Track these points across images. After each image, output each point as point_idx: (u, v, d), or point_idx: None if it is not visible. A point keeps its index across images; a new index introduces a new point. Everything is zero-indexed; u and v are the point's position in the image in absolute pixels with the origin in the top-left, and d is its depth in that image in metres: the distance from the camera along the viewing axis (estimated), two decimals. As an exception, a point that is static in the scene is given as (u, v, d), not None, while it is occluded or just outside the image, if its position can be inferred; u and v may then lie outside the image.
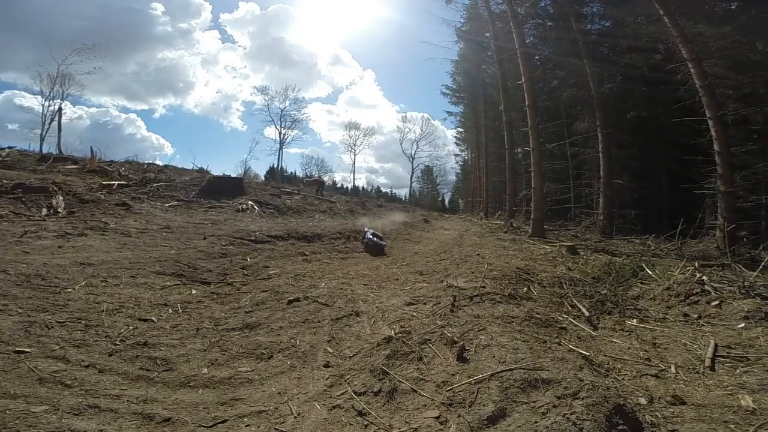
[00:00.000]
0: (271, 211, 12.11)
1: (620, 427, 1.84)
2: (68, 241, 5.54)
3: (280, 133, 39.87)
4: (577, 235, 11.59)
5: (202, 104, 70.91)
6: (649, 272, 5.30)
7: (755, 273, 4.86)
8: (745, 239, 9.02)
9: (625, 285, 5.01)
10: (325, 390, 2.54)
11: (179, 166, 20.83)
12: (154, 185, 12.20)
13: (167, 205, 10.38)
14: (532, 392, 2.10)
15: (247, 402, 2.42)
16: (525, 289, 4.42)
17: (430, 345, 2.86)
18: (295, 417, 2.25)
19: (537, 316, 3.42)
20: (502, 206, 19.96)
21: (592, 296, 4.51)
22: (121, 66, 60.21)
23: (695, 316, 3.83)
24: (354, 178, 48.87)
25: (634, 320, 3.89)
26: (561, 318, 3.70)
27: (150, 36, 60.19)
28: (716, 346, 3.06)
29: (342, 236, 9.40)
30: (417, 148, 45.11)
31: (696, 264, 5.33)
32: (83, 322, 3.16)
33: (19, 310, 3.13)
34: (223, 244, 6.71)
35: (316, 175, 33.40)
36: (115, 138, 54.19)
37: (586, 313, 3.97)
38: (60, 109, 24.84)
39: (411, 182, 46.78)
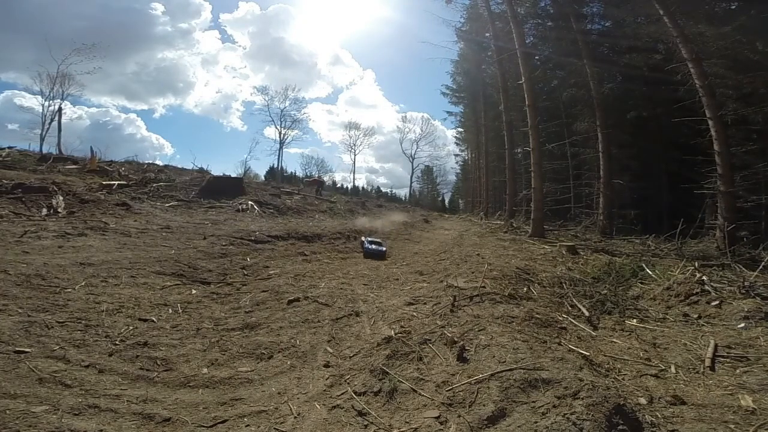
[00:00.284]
0: (271, 211, 12.11)
1: (620, 427, 1.84)
2: (68, 241, 5.54)
3: (280, 133, 39.84)
4: (577, 235, 11.59)
5: (202, 104, 70.88)
6: (649, 272, 5.30)
7: (755, 273, 4.86)
8: (745, 239, 9.01)
9: (625, 285, 5.01)
10: (325, 390, 2.54)
11: (179, 166, 20.88)
12: (154, 185, 12.21)
13: (167, 205, 10.39)
14: (532, 392, 2.10)
15: (247, 402, 2.42)
16: (525, 289, 4.42)
17: (430, 345, 2.86)
18: (295, 417, 2.25)
19: (537, 316, 3.42)
20: (502, 206, 19.95)
21: (592, 296, 4.51)
22: (121, 66, 60.18)
23: (695, 316, 3.83)
24: (354, 178, 48.82)
25: (634, 320, 3.89)
26: (561, 318, 3.70)
27: (150, 36, 60.21)
28: (716, 346, 3.06)
29: (342, 236, 9.41)
30: (417, 148, 45.07)
31: (696, 264, 5.33)
32: (83, 322, 3.16)
33: (19, 310, 3.13)
34: (223, 244, 6.71)
35: (316, 175, 33.39)
36: (115, 138, 54.16)
37: (586, 313, 3.97)
38: (60, 109, 24.80)
39: (411, 182, 46.78)
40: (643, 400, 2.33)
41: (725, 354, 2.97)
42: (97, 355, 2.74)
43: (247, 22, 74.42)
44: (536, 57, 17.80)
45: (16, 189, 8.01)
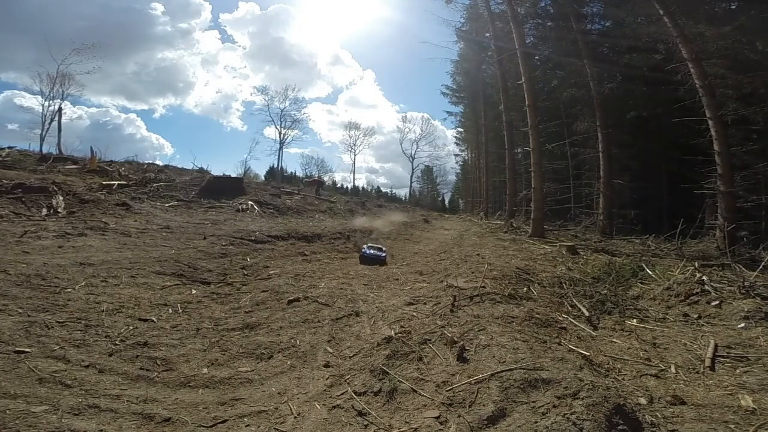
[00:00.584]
0: (271, 211, 12.11)
1: (620, 427, 1.84)
2: (68, 241, 5.54)
3: (280, 133, 39.80)
4: (577, 235, 11.59)
5: (202, 104, 70.69)
6: (649, 272, 5.30)
7: (755, 273, 4.86)
8: (745, 239, 9.01)
9: (625, 285, 5.01)
10: (325, 390, 2.54)
11: (179, 166, 20.84)
12: (154, 185, 12.21)
13: (167, 205, 10.39)
14: (532, 392, 2.10)
15: (247, 402, 2.42)
16: (525, 289, 4.42)
17: (430, 345, 2.86)
18: (295, 417, 2.25)
19: (537, 316, 3.42)
20: (502, 206, 19.95)
21: (592, 296, 4.51)
22: (121, 66, 60.04)
23: (695, 316, 3.83)
24: (354, 178, 48.70)
25: (634, 320, 3.89)
26: (561, 318, 3.70)
27: (150, 36, 60.08)
28: (716, 346, 3.06)
29: (342, 236, 9.40)
30: (417, 148, 45.01)
31: (696, 264, 5.33)
32: (83, 322, 3.16)
33: (19, 310, 3.13)
34: (223, 244, 6.71)
35: (316, 175, 33.33)
36: (115, 138, 54.03)
37: (586, 313, 3.97)
38: (60, 109, 24.77)
39: (411, 182, 46.72)
40: (643, 400, 2.33)
41: (725, 354, 2.97)
42: (97, 355, 2.74)
43: (247, 22, 74.30)
44: (536, 57, 17.80)
45: (16, 189, 8.01)
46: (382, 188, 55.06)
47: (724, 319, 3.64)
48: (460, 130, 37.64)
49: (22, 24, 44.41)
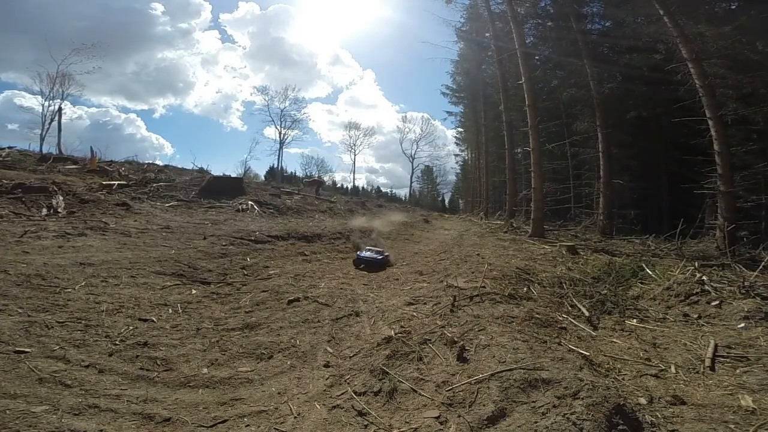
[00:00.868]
0: (271, 211, 12.11)
1: (620, 427, 1.84)
2: (68, 241, 5.54)
3: (280, 133, 39.82)
4: (577, 235, 11.58)
5: (202, 104, 70.68)
6: (649, 272, 5.30)
7: (755, 273, 4.86)
8: (745, 239, 9.01)
9: (625, 285, 5.01)
10: (325, 390, 2.55)
11: (179, 166, 20.83)
12: (154, 185, 12.20)
13: (167, 205, 10.38)
14: (532, 392, 2.10)
15: (247, 402, 2.42)
16: (525, 289, 4.42)
17: (430, 345, 2.86)
18: (295, 417, 2.25)
19: (537, 316, 3.42)
20: (502, 206, 19.95)
21: (592, 296, 4.51)
22: (121, 66, 60.01)
23: (695, 316, 3.83)
24: (354, 178, 48.70)
25: (634, 320, 3.89)
26: (561, 318, 3.70)
27: (150, 36, 60.07)
28: (716, 346, 3.06)
29: (342, 236, 9.40)
30: (417, 148, 45.01)
31: (696, 264, 5.33)
32: (83, 322, 3.17)
33: (19, 310, 3.13)
34: (223, 244, 6.71)
35: (316, 175, 33.33)
36: (115, 138, 54.05)
37: (586, 313, 3.97)
38: (60, 109, 24.78)
39: (411, 182, 46.71)
40: (643, 400, 2.33)
41: (725, 354, 2.97)
42: (97, 355, 2.74)
43: (247, 22, 74.27)
44: (536, 57, 17.80)
45: (16, 189, 8.01)
46: (382, 188, 55.10)
47: (724, 319, 3.64)
48: (460, 130, 37.67)
49: (22, 24, 44.47)
